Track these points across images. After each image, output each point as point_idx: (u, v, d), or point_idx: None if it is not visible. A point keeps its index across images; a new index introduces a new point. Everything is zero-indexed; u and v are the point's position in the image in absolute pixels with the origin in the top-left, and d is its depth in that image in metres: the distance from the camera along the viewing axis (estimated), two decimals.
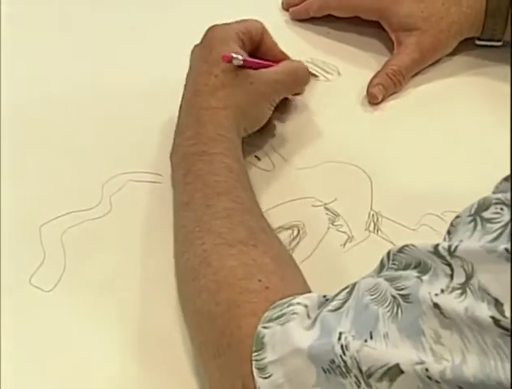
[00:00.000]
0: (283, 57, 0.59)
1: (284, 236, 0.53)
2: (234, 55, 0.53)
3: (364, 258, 0.50)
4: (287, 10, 0.71)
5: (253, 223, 0.48)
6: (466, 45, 0.66)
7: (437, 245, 0.34)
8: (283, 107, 0.61)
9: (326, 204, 0.55)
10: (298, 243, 0.53)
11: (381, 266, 0.38)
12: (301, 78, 0.59)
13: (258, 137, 0.59)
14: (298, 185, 0.57)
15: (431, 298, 0.32)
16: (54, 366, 0.47)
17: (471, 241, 0.34)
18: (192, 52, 0.57)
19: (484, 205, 0.35)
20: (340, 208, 0.55)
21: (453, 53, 0.66)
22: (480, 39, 0.65)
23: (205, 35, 0.57)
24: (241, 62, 0.54)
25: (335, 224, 0.54)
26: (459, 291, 0.32)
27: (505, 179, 0.37)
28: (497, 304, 0.31)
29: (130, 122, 0.61)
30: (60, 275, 0.51)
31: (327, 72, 0.66)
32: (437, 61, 0.65)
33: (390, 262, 0.37)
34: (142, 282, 0.51)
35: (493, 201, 0.34)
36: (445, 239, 0.37)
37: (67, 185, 0.56)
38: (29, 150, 0.59)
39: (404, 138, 0.60)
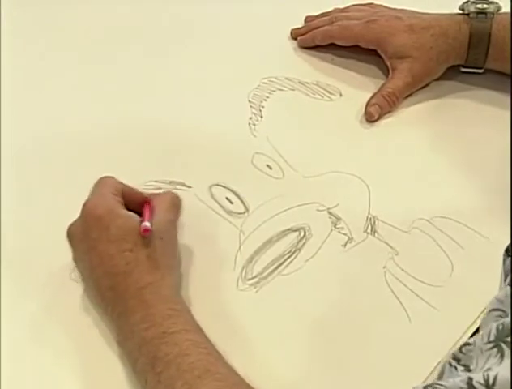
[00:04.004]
0: (143, 196, 0.53)
1: (292, 237, 0.55)
2: (147, 224, 0.48)
3: (362, 256, 0.55)
4: (295, 39, 0.74)
5: None
6: (452, 72, 0.69)
7: (470, 381, 0.31)
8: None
9: (329, 209, 0.58)
10: (305, 243, 0.55)
11: None
12: (179, 204, 0.54)
13: (270, 150, 0.62)
14: (305, 191, 0.59)
15: None
16: (94, 345, 0.49)
17: (503, 369, 0.31)
18: (70, 232, 0.50)
19: (504, 330, 0.33)
20: (341, 213, 0.57)
21: (440, 78, 0.69)
22: (464, 66, 0.68)
23: (84, 213, 0.49)
24: (150, 226, 0.48)
25: (337, 226, 0.56)
26: None
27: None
28: None
29: (160, 140, 0.63)
30: None
31: (331, 93, 0.68)
32: (426, 85, 0.69)
33: None
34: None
35: None
36: (451, 364, 0.35)
37: None
38: (80, 165, 0.61)
39: (398, 151, 0.63)
